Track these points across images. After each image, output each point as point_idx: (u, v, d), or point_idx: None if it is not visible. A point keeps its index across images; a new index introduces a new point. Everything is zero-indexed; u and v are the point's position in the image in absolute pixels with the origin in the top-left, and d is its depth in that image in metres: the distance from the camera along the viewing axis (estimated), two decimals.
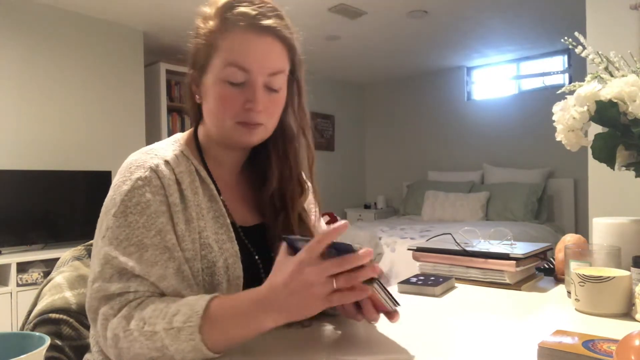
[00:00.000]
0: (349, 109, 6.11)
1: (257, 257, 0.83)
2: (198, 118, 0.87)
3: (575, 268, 0.90)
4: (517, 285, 1.06)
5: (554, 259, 1.15)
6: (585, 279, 0.85)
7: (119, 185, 0.75)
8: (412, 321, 0.83)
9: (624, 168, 0.99)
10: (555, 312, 0.90)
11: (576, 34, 1.08)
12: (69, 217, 3.42)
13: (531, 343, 0.66)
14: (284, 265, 0.65)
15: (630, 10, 2.07)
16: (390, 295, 0.68)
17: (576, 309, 0.87)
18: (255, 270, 0.81)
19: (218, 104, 0.78)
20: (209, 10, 0.80)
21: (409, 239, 3.53)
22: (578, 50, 1.06)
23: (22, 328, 0.89)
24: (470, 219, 4.48)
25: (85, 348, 0.85)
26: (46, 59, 3.44)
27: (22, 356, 0.49)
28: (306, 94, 0.87)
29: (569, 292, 0.95)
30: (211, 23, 0.79)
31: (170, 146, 0.83)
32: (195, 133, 0.87)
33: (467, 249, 1.12)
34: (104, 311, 0.68)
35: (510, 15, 3.82)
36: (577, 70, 4.49)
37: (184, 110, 4.13)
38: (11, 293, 2.94)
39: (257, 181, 0.90)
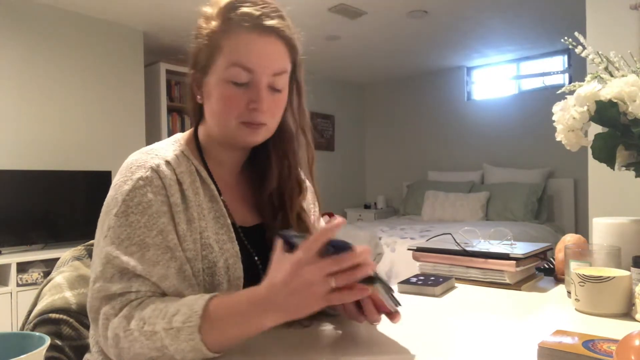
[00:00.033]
0: (349, 109, 6.11)
1: (256, 257, 0.83)
2: (199, 118, 0.87)
3: (575, 268, 0.90)
4: (517, 285, 1.06)
5: (554, 259, 1.15)
6: (585, 279, 0.85)
7: (120, 185, 0.75)
8: (412, 321, 0.82)
9: (624, 168, 0.99)
10: (555, 312, 0.90)
11: (576, 34, 1.08)
12: (69, 217, 3.42)
13: (531, 343, 0.66)
14: (281, 263, 0.65)
15: (630, 10, 2.07)
16: (393, 296, 0.67)
17: (576, 309, 0.87)
18: (255, 271, 0.81)
19: (222, 104, 0.78)
20: (211, 10, 0.80)
21: (409, 239, 3.52)
22: (578, 50, 1.06)
23: (22, 328, 0.89)
24: (470, 219, 4.48)
25: (85, 348, 0.85)
26: (46, 59, 3.43)
27: (22, 356, 0.49)
28: (306, 94, 0.87)
29: (569, 292, 0.95)
30: (214, 23, 0.78)
31: (170, 146, 0.83)
32: (195, 133, 0.87)
33: (467, 249, 1.12)
34: (105, 311, 0.68)
35: (510, 15, 3.82)
36: (577, 70, 4.49)
37: (184, 110, 4.14)
38: (11, 293, 2.94)
39: (257, 181, 0.90)
